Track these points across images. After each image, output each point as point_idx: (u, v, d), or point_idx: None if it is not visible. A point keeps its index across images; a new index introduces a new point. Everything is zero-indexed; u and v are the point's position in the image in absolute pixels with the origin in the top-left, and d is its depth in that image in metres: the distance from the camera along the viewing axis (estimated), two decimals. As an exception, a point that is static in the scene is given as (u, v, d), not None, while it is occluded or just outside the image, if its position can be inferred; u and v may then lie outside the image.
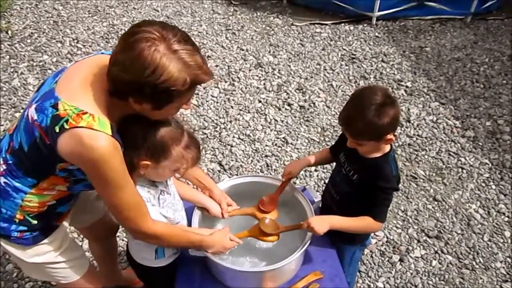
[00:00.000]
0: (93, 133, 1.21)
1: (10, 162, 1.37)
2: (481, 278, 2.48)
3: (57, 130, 1.22)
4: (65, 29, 4.48)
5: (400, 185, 1.73)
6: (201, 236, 1.62)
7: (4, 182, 1.38)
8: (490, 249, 2.63)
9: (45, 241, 1.52)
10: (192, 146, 1.49)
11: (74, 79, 1.30)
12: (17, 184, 1.37)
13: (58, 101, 1.24)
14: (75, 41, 4.31)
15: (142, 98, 1.23)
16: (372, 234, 2.64)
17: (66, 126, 1.20)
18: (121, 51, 1.19)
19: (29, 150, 1.31)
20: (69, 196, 1.49)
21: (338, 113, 3.74)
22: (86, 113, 1.22)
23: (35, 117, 1.27)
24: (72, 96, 1.25)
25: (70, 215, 1.65)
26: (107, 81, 1.24)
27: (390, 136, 1.53)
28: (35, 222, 1.45)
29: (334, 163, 1.91)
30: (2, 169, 1.39)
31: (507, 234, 2.70)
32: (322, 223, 1.63)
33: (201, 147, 1.57)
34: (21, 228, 1.44)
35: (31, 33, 4.40)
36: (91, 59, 1.36)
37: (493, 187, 3.00)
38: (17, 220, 1.43)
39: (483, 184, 3.02)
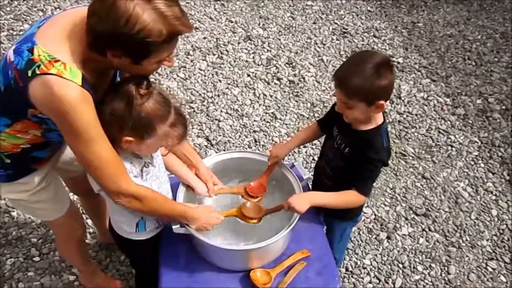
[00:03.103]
0: (63, 81, 1.20)
1: None
2: (467, 256, 2.49)
3: (29, 75, 1.22)
4: (47, -3, 4.30)
5: (389, 162, 1.69)
6: (185, 207, 1.58)
7: None
8: (477, 227, 2.63)
9: (20, 181, 1.53)
10: (179, 123, 1.44)
11: (55, 27, 1.29)
12: None
13: (34, 46, 1.24)
14: (57, 9, 4.14)
15: (120, 51, 1.22)
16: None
17: (38, 72, 1.20)
18: (97, 1, 1.18)
19: (5, 90, 1.31)
20: (46, 143, 1.48)
21: (329, 88, 3.67)
22: (58, 61, 1.22)
23: (12, 59, 1.27)
24: (49, 43, 1.25)
25: (53, 162, 1.64)
26: (86, 33, 1.23)
27: (381, 102, 1.49)
28: (8, 161, 1.48)
29: (323, 139, 1.87)
30: None
31: (494, 212, 2.70)
32: (302, 201, 1.60)
33: (188, 124, 1.51)
34: None
35: (11, 0, 4.22)
36: (77, 10, 1.34)
37: (482, 165, 2.99)
38: None
39: (472, 163, 3.01)
